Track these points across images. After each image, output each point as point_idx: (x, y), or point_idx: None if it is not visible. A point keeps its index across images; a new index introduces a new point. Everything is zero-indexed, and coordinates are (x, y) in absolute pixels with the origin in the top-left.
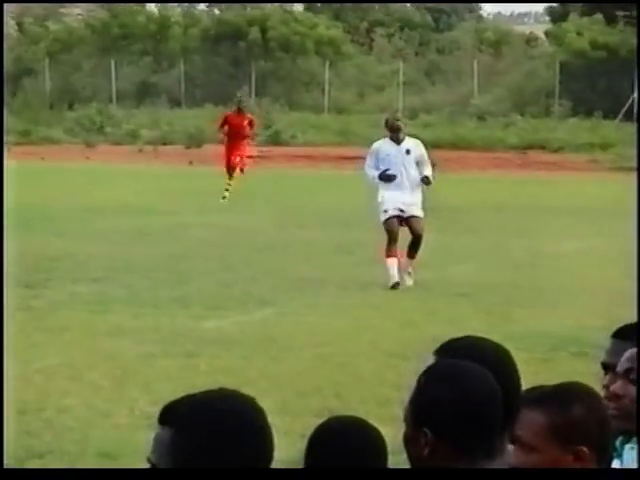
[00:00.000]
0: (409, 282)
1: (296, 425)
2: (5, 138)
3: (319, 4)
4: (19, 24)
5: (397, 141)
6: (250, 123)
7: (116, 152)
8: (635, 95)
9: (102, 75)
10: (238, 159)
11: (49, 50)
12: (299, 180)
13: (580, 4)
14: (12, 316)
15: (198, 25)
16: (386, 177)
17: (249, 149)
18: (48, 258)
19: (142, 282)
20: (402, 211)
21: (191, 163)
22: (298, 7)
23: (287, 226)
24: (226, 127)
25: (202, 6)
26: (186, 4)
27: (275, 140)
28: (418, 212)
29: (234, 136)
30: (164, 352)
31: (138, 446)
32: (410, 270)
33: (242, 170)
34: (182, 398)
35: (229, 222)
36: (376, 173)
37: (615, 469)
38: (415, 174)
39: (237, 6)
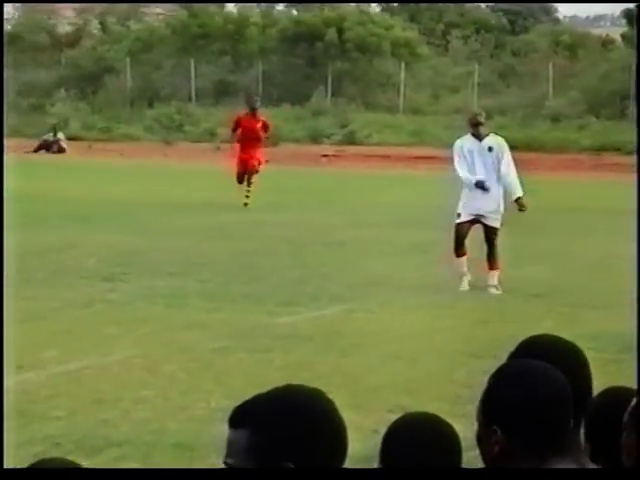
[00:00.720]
0: (497, 292)
1: (368, 420)
2: (79, 134)
3: (396, 4)
4: (102, 23)
5: (479, 137)
6: (264, 126)
7: (194, 150)
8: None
9: (181, 74)
10: (256, 164)
11: (130, 49)
12: (373, 179)
13: None
14: (90, 308)
15: (276, 25)
16: (481, 186)
17: (262, 153)
18: (126, 253)
19: (217, 277)
20: (478, 216)
21: (267, 162)
22: (375, 8)
23: (361, 224)
24: (239, 130)
25: (280, 6)
26: (264, 5)
27: (350, 140)
28: (495, 223)
29: (247, 139)
30: (238, 346)
31: (213, 438)
32: (495, 283)
33: (251, 176)
34: (252, 399)
35: (303, 219)
36: (472, 179)
37: (618, 469)
38: (495, 173)
39: (314, 7)
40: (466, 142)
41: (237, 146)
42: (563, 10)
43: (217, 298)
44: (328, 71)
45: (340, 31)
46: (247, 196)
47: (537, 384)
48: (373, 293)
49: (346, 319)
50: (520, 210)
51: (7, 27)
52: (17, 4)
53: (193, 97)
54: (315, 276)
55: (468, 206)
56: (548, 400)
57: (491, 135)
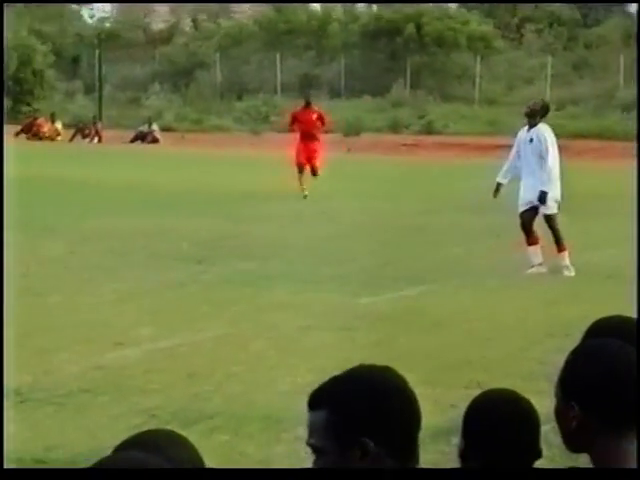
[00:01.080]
0: (570, 273)
1: (446, 396)
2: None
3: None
4: (194, 21)
5: (528, 127)
6: (319, 117)
7: (280, 140)
8: None
9: (268, 68)
10: (314, 158)
11: (220, 45)
12: (450, 167)
13: None
14: (183, 289)
15: (357, 22)
16: (496, 189)
17: (321, 145)
18: (217, 237)
19: (302, 261)
20: (533, 205)
21: (349, 150)
22: (452, 4)
23: (438, 210)
24: (296, 125)
25: (362, 4)
26: (348, 3)
27: (428, 129)
28: (547, 210)
29: (304, 132)
30: (323, 325)
31: (299, 412)
32: (566, 263)
33: (314, 170)
34: (327, 381)
35: (383, 206)
36: (500, 173)
37: (615, 469)
38: (535, 163)
39: (394, 4)
40: (520, 132)
41: (298, 139)
42: (635, 4)
43: (302, 280)
44: (407, 64)
45: (418, 26)
46: (304, 188)
47: (613, 362)
48: (450, 275)
49: (424, 300)
50: (540, 202)
51: (105, 25)
52: (115, 4)
53: (279, 90)
54: (395, 259)
55: (521, 197)
56: (624, 377)
57: (539, 126)
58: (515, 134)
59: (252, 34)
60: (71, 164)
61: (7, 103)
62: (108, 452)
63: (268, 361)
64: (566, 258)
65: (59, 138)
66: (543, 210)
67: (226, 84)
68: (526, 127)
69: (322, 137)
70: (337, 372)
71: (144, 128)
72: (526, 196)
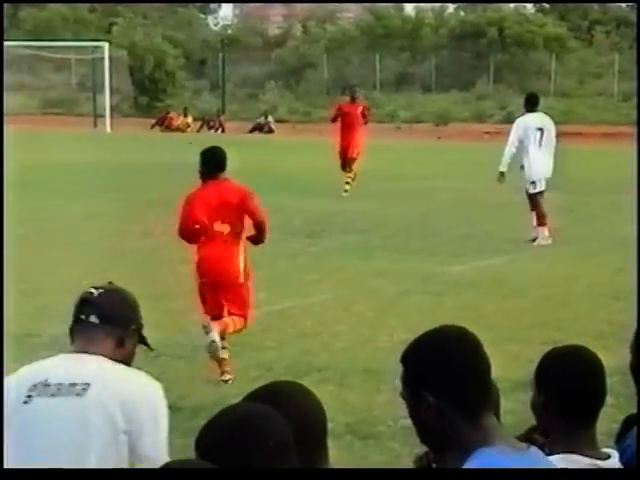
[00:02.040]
0: (547, 242)
1: (525, 351)
2: (282, 117)
3: (547, 5)
4: (304, 27)
5: (533, 114)
6: (363, 111)
7: (378, 129)
8: None
9: (368, 67)
10: (355, 152)
11: (327, 47)
12: None
13: None
14: (295, 259)
15: (446, 25)
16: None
17: (361, 137)
18: (325, 214)
19: (398, 234)
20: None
21: (439, 138)
22: (530, 10)
23: (517, 190)
24: (340, 118)
25: (450, 9)
26: (437, 8)
27: (508, 119)
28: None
29: (348, 125)
30: (416, 290)
31: (396, 366)
32: (545, 235)
33: (350, 161)
34: (412, 341)
35: (469, 186)
36: (503, 165)
37: (615, 469)
38: (546, 145)
39: (479, 9)
40: (527, 118)
41: (338, 133)
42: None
43: (398, 251)
44: (490, 62)
45: (500, 29)
46: (347, 182)
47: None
48: (529, 247)
49: (506, 268)
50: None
51: (228, 31)
52: (236, 11)
53: (378, 86)
54: (479, 233)
55: (536, 171)
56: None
57: (541, 113)
58: (587, 122)
59: (354, 38)
60: (199, 151)
61: (143, 100)
62: (231, 400)
63: (368, 322)
64: (545, 230)
65: (189, 130)
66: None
67: (331, 81)
68: (532, 114)
69: (364, 130)
70: None
71: (261, 120)
72: (542, 170)
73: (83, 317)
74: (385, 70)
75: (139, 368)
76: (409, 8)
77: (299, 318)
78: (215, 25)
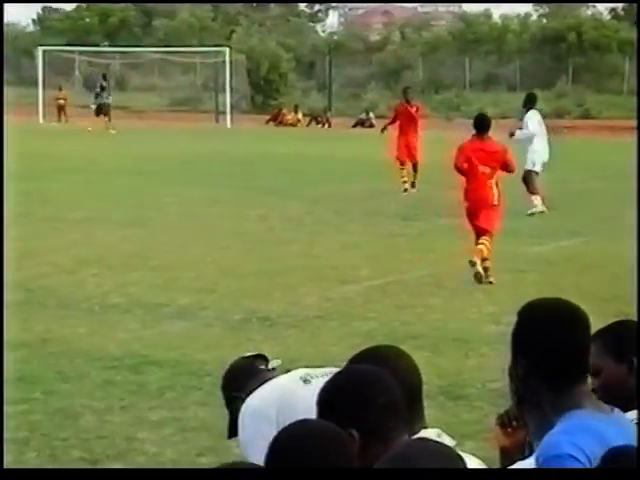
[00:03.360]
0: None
1: (599, 323)
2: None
3: (622, 12)
4: (401, 33)
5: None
6: (417, 111)
7: (468, 124)
8: None
9: (459, 69)
10: (415, 155)
11: (422, 51)
12: (604, 145)
13: None
14: (393, 239)
15: (529, 31)
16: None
17: (417, 138)
18: (419, 199)
19: None
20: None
21: (512, 135)
22: (605, 16)
23: (594, 178)
24: (398, 118)
25: (534, 17)
26: (522, 16)
27: (586, 115)
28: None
29: (405, 126)
30: (502, 268)
31: (485, 335)
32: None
33: (416, 166)
34: None
35: (551, 176)
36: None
37: (614, 469)
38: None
39: (559, 16)
40: (537, 113)
41: (398, 133)
42: None
43: None
44: (569, 64)
45: (579, 34)
46: (405, 182)
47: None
48: (602, 229)
49: (582, 248)
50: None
51: (334, 38)
52: (341, 19)
53: (467, 85)
54: (558, 216)
55: (543, 159)
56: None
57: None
58: None
59: (446, 42)
60: (308, 144)
61: (259, 98)
62: (336, 364)
63: (459, 295)
64: (538, 197)
65: (299, 125)
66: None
67: (426, 81)
68: (537, 110)
69: (420, 131)
70: (514, 305)
71: (363, 116)
72: (545, 156)
73: None
74: (474, 71)
75: (255, 335)
76: (496, 15)
77: (397, 292)
78: (323, 32)
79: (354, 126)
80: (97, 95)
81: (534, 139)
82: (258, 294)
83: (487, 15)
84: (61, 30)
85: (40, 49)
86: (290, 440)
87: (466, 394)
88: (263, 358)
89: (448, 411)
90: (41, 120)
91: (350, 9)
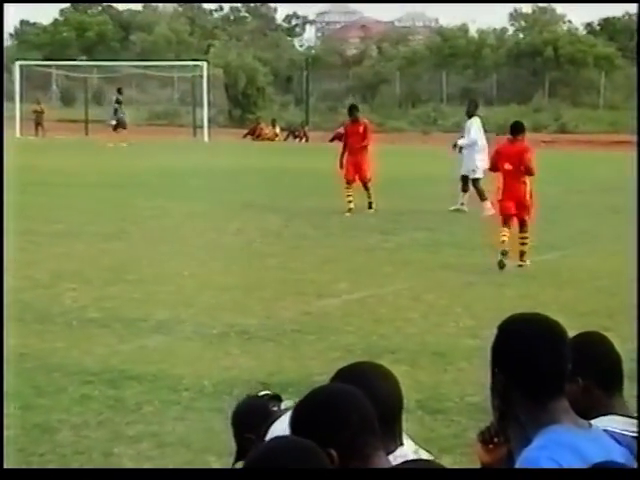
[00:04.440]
0: (490, 212)
1: None
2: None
3: (597, 28)
4: (378, 47)
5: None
6: (365, 129)
7: (445, 138)
8: None
9: (436, 83)
10: (364, 171)
11: (399, 65)
12: (580, 159)
13: None
14: (371, 253)
15: (505, 46)
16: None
17: (367, 157)
18: (397, 213)
19: (464, 231)
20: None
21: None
22: (582, 31)
23: (571, 191)
24: (345, 137)
25: (510, 32)
26: (498, 31)
27: (562, 129)
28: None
29: (351, 144)
30: (480, 282)
31: (463, 349)
32: (487, 207)
33: (365, 182)
34: None
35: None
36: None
37: (616, 469)
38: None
39: (535, 31)
40: (480, 121)
41: (347, 152)
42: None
43: (463, 246)
44: (545, 79)
45: (555, 49)
46: (370, 202)
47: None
48: (581, 243)
49: (560, 262)
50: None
51: (311, 52)
52: (318, 34)
53: (444, 99)
54: (536, 231)
55: (483, 166)
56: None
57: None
58: (633, 132)
59: (424, 57)
60: (286, 158)
61: (236, 112)
62: (314, 378)
63: (437, 309)
64: (487, 203)
65: (277, 139)
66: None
67: (403, 95)
68: (479, 117)
69: (369, 149)
70: (493, 319)
71: (341, 130)
72: (486, 162)
73: None
74: (451, 85)
75: (234, 348)
76: (472, 30)
77: (375, 306)
78: (300, 46)
79: (331, 140)
80: (115, 111)
81: (481, 145)
82: (236, 308)
83: (464, 29)
84: (38, 44)
85: (17, 64)
86: (269, 453)
87: (444, 408)
88: (277, 399)
89: (426, 425)
90: (18, 134)
91: (327, 23)
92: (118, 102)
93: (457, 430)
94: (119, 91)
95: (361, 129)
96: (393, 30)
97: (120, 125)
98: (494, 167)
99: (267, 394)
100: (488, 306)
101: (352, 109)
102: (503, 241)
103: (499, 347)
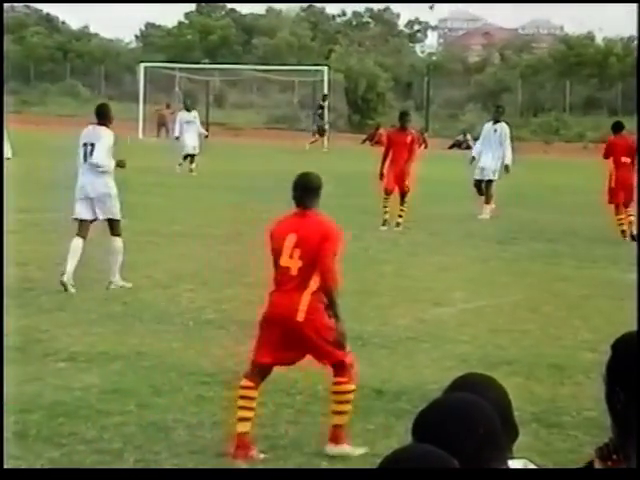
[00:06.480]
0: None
1: None
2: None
3: None
4: (501, 54)
5: (493, 122)
6: (412, 141)
7: (567, 148)
8: None
9: (559, 92)
10: (403, 180)
11: (522, 73)
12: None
13: None
14: (488, 263)
15: (632, 54)
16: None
17: (411, 169)
18: (516, 223)
19: (583, 242)
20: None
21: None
22: None
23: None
24: (390, 146)
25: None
26: (626, 38)
27: None
28: (495, 177)
29: (394, 154)
30: (599, 294)
31: (581, 363)
32: (487, 211)
33: (404, 195)
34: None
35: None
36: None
37: (615, 469)
38: (496, 146)
39: None
40: (486, 125)
41: (386, 161)
42: None
43: (583, 258)
44: None
45: None
46: (400, 215)
47: None
48: None
49: None
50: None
51: (433, 58)
52: (440, 40)
53: (567, 109)
54: None
55: (481, 167)
56: None
57: (502, 122)
58: None
59: (548, 65)
60: None
61: (356, 118)
62: (428, 386)
63: (555, 321)
64: (488, 207)
65: None
66: (493, 176)
67: (525, 104)
68: (491, 122)
69: (414, 160)
70: (612, 333)
71: (460, 137)
72: (486, 167)
73: None
74: (574, 95)
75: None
76: (599, 39)
77: (491, 316)
78: (421, 52)
79: (450, 147)
80: (320, 116)
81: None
82: (351, 314)
83: (590, 37)
84: (162, 47)
85: (142, 65)
86: (400, 461)
87: (560, 422)
88: None
89: (541, 438)
90: (140, 135)
91: (450, 30)
92: (321, 108)
93: (573, 445)
94: (323, 98)
95: (408, 139)
96: (517, 37)
97: (320, 131)
98: (605, 156)
99: None
100: (607, 320)
101: (403, 116)
102: (621, 224)
103: (619, 365)
